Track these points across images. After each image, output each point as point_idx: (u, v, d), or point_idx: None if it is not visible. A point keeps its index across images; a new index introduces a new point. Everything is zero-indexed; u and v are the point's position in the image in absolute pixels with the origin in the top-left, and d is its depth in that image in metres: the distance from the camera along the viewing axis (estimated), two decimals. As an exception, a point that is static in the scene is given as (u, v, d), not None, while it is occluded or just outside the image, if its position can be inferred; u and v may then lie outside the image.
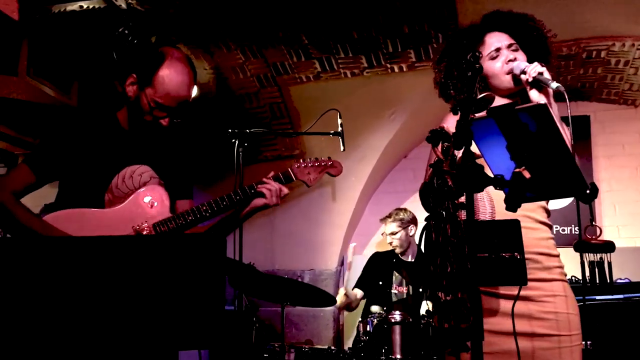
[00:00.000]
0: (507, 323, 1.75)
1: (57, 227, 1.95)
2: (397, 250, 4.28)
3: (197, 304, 1.22)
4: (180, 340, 1.27)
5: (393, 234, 4.26)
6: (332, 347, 3.67)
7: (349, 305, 4.26)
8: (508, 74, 1.90)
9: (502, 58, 1.93)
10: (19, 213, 1.97)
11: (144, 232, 2.01)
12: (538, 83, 1.80)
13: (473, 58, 1.57)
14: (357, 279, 4.47)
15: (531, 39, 1.98)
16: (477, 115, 1.34)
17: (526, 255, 1.77)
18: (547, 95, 1.80)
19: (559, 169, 1.31)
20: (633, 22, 3.95)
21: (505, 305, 1.77)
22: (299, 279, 4.92)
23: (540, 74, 1.80)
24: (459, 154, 1.31)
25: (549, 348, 1.75)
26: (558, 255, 1.86)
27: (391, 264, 4.30)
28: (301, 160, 2.29)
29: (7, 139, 4.69)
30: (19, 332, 1.18)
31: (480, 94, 1.93)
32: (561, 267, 1.85)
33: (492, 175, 1.36)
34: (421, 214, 1.42)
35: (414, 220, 4.34)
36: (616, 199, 4.85)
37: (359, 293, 4.34)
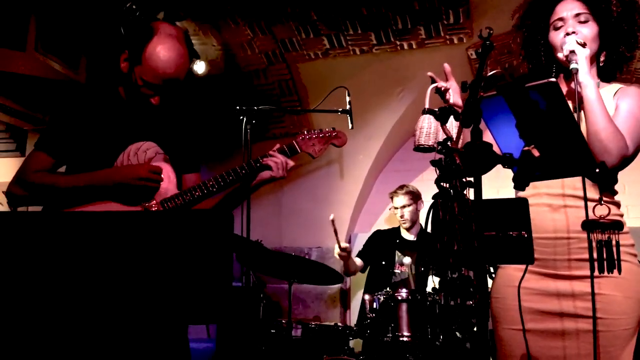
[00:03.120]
0: (552, 302, 1.74)
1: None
2: (406, 225, 4.23)
3: (205, 280, 1.23)
4: (188, 316, 1.28)
5: (404, 206, 4.20)
6: (339, 324, 3.71)
7: (347, 269, 4.20)
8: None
9: (564, 30, 1.82)
10: (56, 180, 1.95)
11: (153, 209, 2.01)
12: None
13: (484, 34, 1.54)
14: (360, 250, 4.47)
15: (603, 12, 1.83)
16: (486, 93, 1.33)
17: (570, 235, 1.74)
18: (576, 74, 1.70)
19: (568, 148, 1.30)
20: None
21: (555, 284, 1.75)
22: (306, 256, 4.95)
23: (572, 52, 1.71)
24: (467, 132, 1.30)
25: (586, 330, 1.69)
26: (627, 232, 1.80)
27: (394, 244, 4.27)
28: (305, 132, 2.24)
29: (16, 114, 4.70)
30: (27, 308, 1.19)
31: (553, 68, 1.89)
32: (629, 245, 1.77)
33: (500, 154, 1.35)
34: (429, 194, 1.42)
35: (421, 197, 4.33)
36: (625, 179, 4.78)
37: (358, 261, 4.30)
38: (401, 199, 4.23)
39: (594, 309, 1.61)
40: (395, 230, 4.37)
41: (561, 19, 1.84)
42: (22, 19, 3.80)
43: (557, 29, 1.84)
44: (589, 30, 1.81)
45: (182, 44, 2.02)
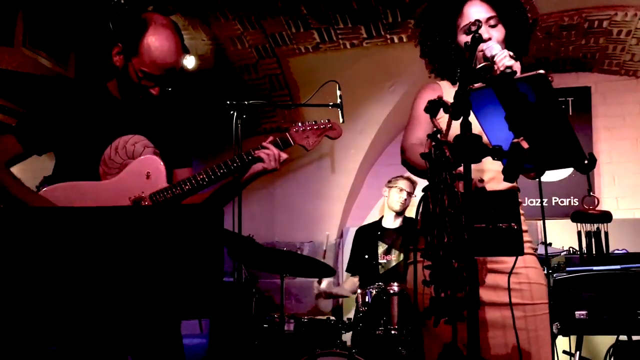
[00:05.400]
0: (489, 294, 1.78)
1: (52, 201, 1.94)
2: (399, 208, 4.28)
3: (196, 275, 1.22)
4: (179, 311, 1.28)
5: (408, 192, 4.30)
6: (331, 318, 3.71)
7: (346, 295, 4.38)
8: (480, 52, 1.75)
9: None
10: (9, 183, 1.96)
11: (142, 203, 2.00)
12: None
13: (472, 30, 1.55)
14: (347, 262, 4.48)
15: (512, 16, 1.86)
16: (475, 85, 1.33)
17: None
18: None
19: (557, 139, 1.31)
20: (636, -8, 3.90)
21: (492, 277, 1.79)
22: (299, 251, 4.94)
23: (509, 67, 1.63)
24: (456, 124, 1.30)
25: (516, 317, 1.75)
26: (526, 231, 1.88)
27: (375, 235, 4.31)
28: (299, 124, 2.19)
29: (4, 110, 4.66)
30: (20, 304, 1.18)
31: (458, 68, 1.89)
32: (530, 241, 1.89)
33: (490, 146, 1.35)
34: (421, 187, 1.42)
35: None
36: (616, 171, 4.84)
37: (355, 281, 4.34)
38: (404, 183, 4.33)
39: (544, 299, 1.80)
40: (376, 223, 4.42)
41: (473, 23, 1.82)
42: (9, 14, 3.77)
43: (468, 33, 1.80)
44: (498, 34, 1.83)
45: (176, 34, 2.03)
